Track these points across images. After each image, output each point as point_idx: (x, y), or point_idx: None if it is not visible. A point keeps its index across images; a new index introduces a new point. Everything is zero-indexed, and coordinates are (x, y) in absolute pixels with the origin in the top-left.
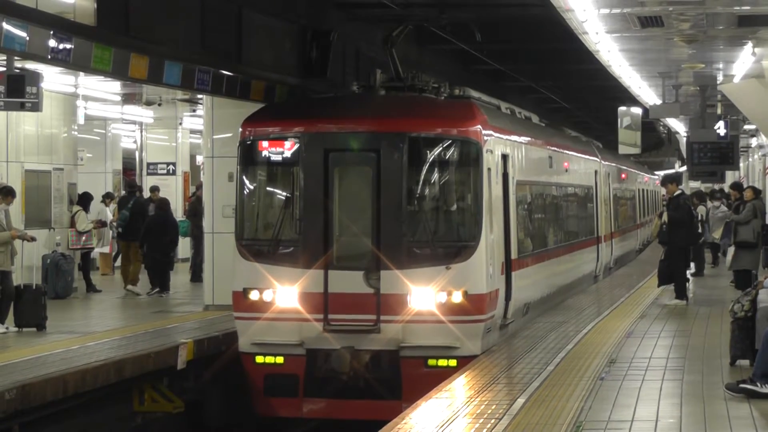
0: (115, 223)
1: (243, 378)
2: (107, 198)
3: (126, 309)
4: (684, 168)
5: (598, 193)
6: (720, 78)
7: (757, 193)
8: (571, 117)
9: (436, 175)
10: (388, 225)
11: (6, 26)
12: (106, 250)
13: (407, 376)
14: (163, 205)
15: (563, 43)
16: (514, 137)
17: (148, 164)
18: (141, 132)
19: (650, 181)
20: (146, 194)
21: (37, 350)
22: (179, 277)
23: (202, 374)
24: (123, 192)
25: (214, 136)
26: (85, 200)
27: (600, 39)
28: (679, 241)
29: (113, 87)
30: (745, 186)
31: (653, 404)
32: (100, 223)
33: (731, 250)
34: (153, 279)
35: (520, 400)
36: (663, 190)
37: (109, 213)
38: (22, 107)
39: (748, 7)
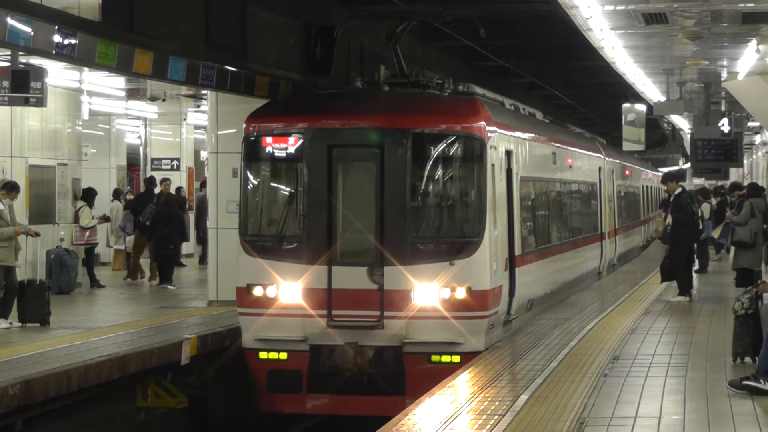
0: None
1: (246, 374)
2: (119, 194)
3: (130, 304)
4: (688, 165)
5: (602, 190)
6: (724, 75)
7: (756, 190)
8: (575, 114)
9: (439, 172)
10: (391, 221)
11: (11, 21)
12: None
13: (411, 372)
14: (170, 199)
15: (568, 40)
16: (518, 134)
17: (153, 160)
18: (145, 127)
19: (654, 177)
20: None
21: (40, 345)
22: (186, 272)
23: (206, 370)
24: (127, 188)
25: (219, 132)
26: (89, 196)
27: (604, 36)
28: (680, 240)
29: (117, 82)
30: (745, 183)
31: (656, 401)
32: (104, 219)
33: (733, 249)
34: (161, 272)
35: (524, 397)
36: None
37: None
38: (26, 102)
39: (752, 4)
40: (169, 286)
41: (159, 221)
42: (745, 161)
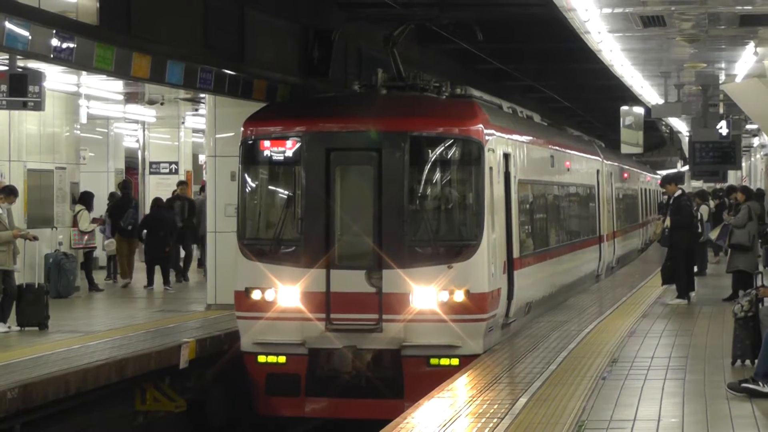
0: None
1: (245, 377)
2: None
3: (128, 308)
4: (686, 167)
5: (600, 193)
6: (722, 77)
7: (749, 194)
8: (573, 116)
9: (437, 175)
10: (389, 224)
11: (8, 25)
12: None
13: (409, 375)
14: (159, 203)
15: (565, 43)
16: (515, 136)
17: (151, 163)
18: (143, 131)
19: (652, 180)
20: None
21: (38, 349)
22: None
23: (204, 374)
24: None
25: (217, 136)
26: (86, 199)
27: (602, 38)
28: (680, 242)
29: (116, 86)
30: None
31: (655, 404)
32: (101, 221)
33: (729, 251)
34: (150, 274)
35: (522, 400)
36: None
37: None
38: (24, 106)
39: (749, 7)
40: (168, 288)
41: (151, 225)
42: (743, 164)
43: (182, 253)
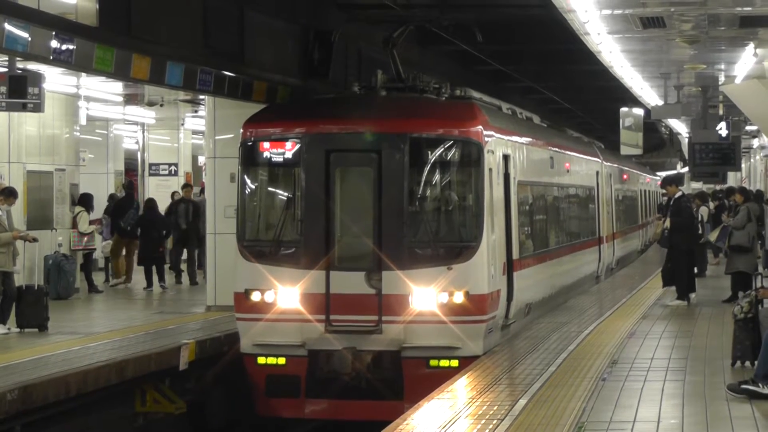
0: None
1: (245, 379)
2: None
3: (128, 310)
4: (686, 169)
5: (600, 194)
6: (721, 79)
7: (748, 195)
8: (572, 118)
9: (437, 176)
10: (389, 226)
11: (8, 27)
12: None
13: (409, 376)
14: (151, 203)
15: (565, 44)
16: (515, 138)
17: (150, 165)
18: (143, 133)
19: (652, 181)
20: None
21: (38, 351)
22: (183, 277)
23: (204, 375)
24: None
25: (216, 137)
26: (86, 201)
27: (602, 40)
28: (680, 243)
29: (115, 88)
30: (748, 187)
31: (655, 405)
32: (99, 222)
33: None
34: (148, 275)
35: (522, 401)
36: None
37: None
38: (24, 108)
39: (749, 8)
40: (163, 286)
41: (145, 226)
42: (743, 165)
43: (184, 255)
